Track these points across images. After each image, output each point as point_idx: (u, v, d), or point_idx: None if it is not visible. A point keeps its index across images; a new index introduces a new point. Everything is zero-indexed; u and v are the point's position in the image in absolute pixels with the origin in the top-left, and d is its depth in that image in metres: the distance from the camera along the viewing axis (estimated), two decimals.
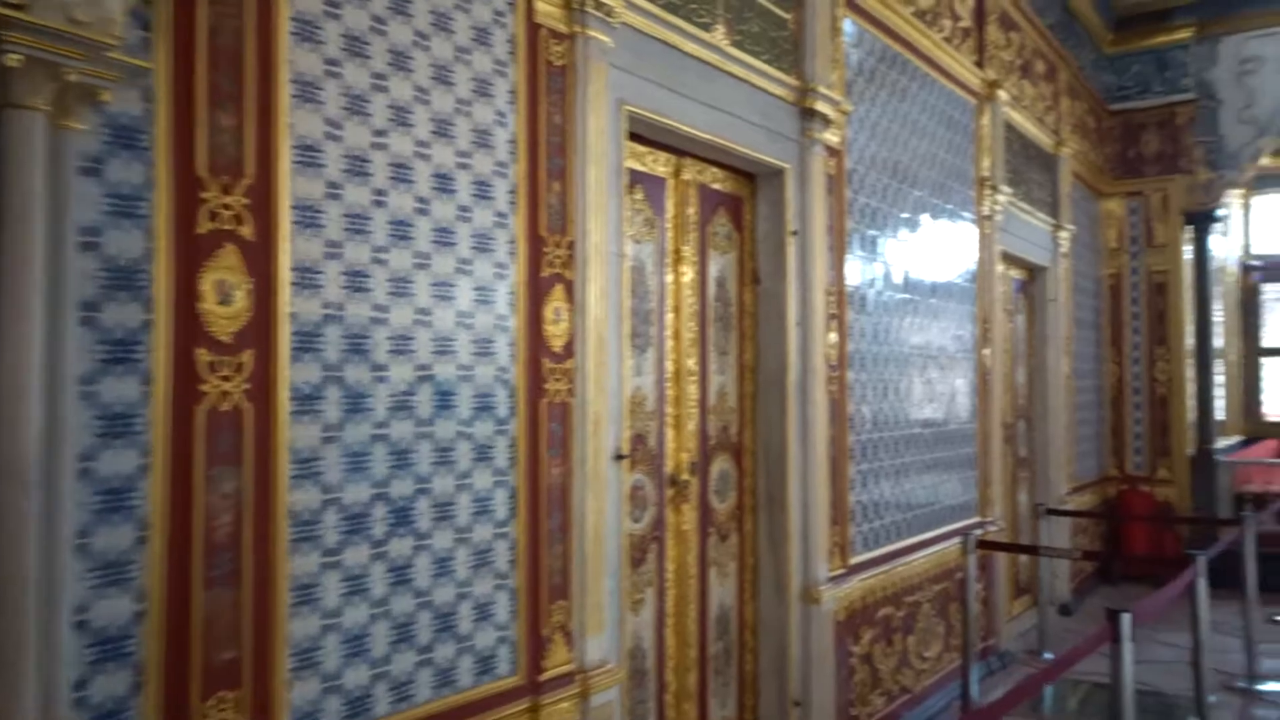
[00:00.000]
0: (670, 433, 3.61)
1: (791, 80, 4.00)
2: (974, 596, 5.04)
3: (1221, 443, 9.65)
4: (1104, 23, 8.41)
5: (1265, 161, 11.09)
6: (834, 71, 4.29)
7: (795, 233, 4.04)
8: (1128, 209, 8.78)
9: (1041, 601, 6.35)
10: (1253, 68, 8.29)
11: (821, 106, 4.09)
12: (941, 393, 5.44)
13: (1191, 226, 8.66)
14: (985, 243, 6.02)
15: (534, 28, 2.77)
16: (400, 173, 2.38)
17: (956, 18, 5.66)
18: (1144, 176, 8.71)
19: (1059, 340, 7.45)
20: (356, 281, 2.27)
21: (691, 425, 3.70)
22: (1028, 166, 6.95)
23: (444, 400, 2.48)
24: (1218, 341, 9.42)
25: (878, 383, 4.72)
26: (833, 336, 4.29)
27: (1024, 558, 6.99)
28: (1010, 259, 6.79)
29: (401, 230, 2.38)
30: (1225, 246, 10.99)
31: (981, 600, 5.84)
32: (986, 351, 6.02)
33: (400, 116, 2.39)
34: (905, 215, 5.02)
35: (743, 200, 4.04)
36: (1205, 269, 8.77)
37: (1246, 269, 12.48)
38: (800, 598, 4.01)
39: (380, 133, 2.34)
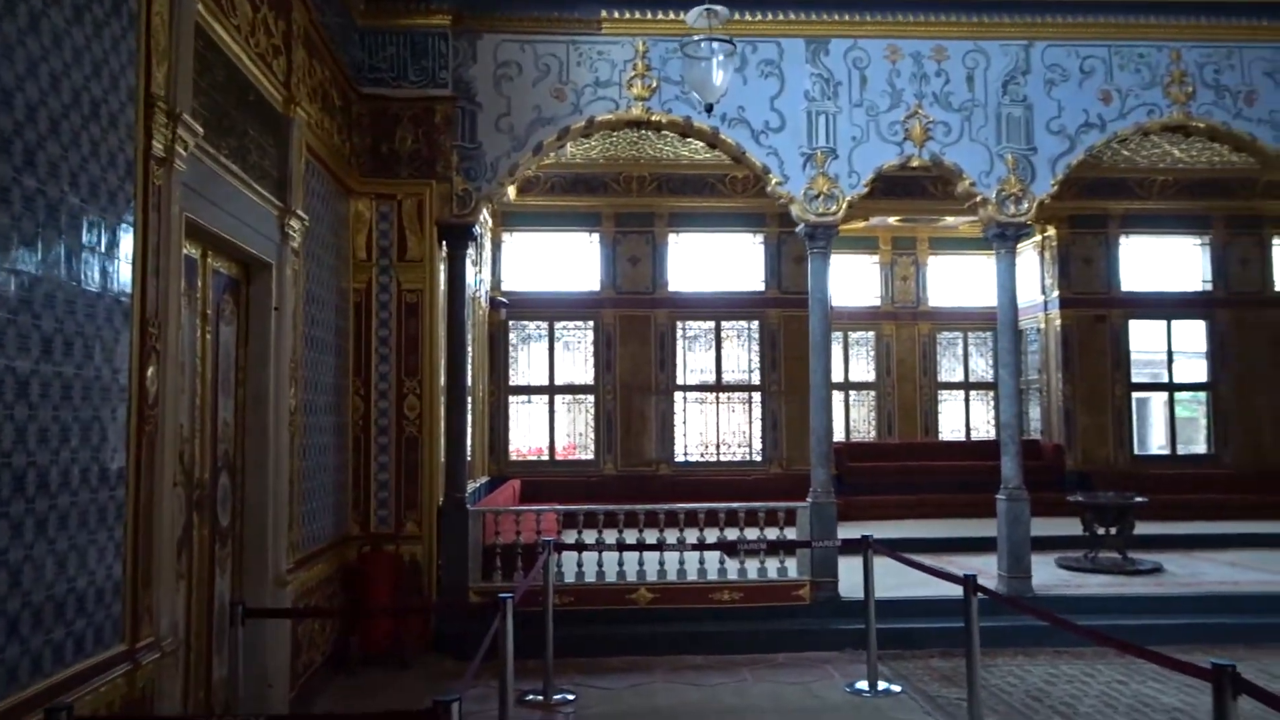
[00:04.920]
0: None
1: None
2: None
3: (470, 486, 8.81)
4: None
5: (513, 197, 10.90)
6: None
7: None
8: (379, 213, 7.34)
9: None
10: (510, 74, 7.54)
11: None
12: (37, 441, 3.06)
13: (445, 243, 7.59)
14: (159, 200, 3.83)
15: None
16: None
17: None
18: (398, 178, 7.37)
19: (285, 364, 5.55)
20: None
21: None
22: (243, 117, 4.94)
23: None
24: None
25: None
26: None
27: (221, 666, 4.87)
28: (209, 239, 4.68)
29: None
30: (476, 281, 10.43)
31: None
32: (152, 372, 3.80)
33: None
34: None
35: None
36: (460, 292, 7.76)
37: (495, 305, 12.30)
38: None
39: None
